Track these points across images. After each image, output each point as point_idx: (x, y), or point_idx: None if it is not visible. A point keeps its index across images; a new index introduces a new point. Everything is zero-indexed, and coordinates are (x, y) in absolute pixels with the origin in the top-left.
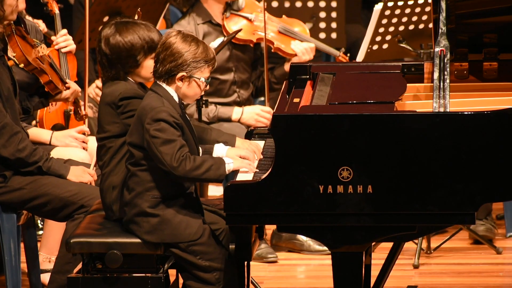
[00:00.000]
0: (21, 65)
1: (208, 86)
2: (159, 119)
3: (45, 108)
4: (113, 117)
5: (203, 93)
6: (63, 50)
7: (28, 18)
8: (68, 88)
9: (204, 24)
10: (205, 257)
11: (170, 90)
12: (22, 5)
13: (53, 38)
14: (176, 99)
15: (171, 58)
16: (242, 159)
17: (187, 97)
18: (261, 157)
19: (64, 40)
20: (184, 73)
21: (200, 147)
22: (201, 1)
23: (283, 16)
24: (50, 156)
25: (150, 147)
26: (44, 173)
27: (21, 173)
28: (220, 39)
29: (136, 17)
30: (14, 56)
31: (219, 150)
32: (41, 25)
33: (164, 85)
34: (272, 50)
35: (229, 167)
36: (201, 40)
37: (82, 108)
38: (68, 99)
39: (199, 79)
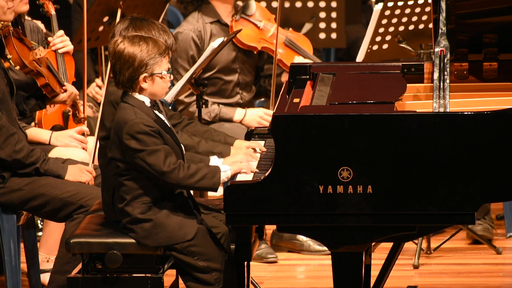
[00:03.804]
0: (17, 67)
1: (172, 76)
2: (136, 132)
3: (43, 110)
4: (114, 116)
5: (169, 84)
6: (60, 51)
7: (27, 18)
8: (65, 91)
9: (212, 23)
10: (203, 258)
11: (140, 96)
12: (25, 7)
13: (50, 39)
14: (148, 103)
15: (127, 64)
16: (238, 162)
17: (156, 95)
18: (264, 150)
19: (61, 41)
20: (145, 74)
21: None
22: (209, 0)
23: (290, 28)
24: (48, 157)
25: (136, 162)
26: (42, 174)
27: (20, 174)
28: (220, 39)
29: None
30: (10, 58)
31: (215, 161)
32: (40, 25)
33: (132, 93)
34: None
35: (225, 175)
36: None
37: (81, 109)
38: (65, 102)
39: (161, 73)
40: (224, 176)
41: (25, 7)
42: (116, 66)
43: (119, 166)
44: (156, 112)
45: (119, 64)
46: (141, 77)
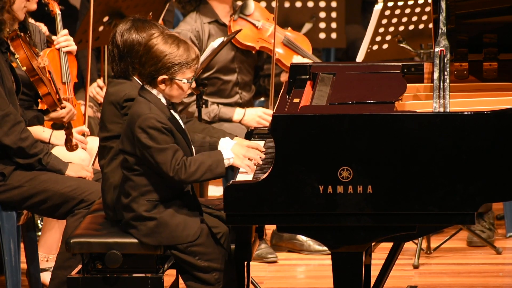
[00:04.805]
0: (24, 68)
1: (194, 84)
2: (148, 127)
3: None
4: (116, 117)
5: (189, 91)
6: (63, 49)
7: (31, 21)
8: (63, 107)
9: (210, 23)
10: (204, 258)
11: (157, 93)
12: (35, 6)
13: (54, 37)
14: (164, 101)
15: (152, 61)
16: (244, 158)
17: (172, 98)
18: (263, 156)
19: (65, 39)
20: (165, 76)
21: (200, 140)
22: (208, 0)
23: (289, 28)
24: (50, 151)
25: (144, 156)
26: (44, 167)
27: (20, 169)
28: (220, 39)
29: None
30: (17, 58)
31: (224, 144)
32: (43, 28)
33: (150, 88)
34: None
35: (228, 162)
36: (183, 40)
37: (73, 135)
38: (63, 119)
39: (181, 80)
40: (227, 163)
41: (35, 6)
42: (142, 58)
43: (129, 160)
44: (172, 111)
45: (145, 58)
46: (160, 77)
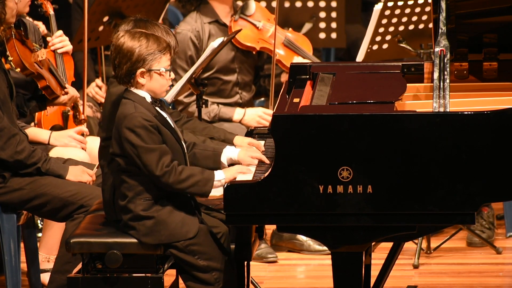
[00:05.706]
0: (17, 69)
1: (172, 75)
2: (134, 126)
3: (43, 111)
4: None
5: (170, 82)
6: (59, 51)
7: (29, 19)
8: (66, 93)
9: (210, 24)
10: (203, 257)
11: (140, 92)
12: (26, 9)
13: (48, 39)
14: (149, 99)
15: (125, 59)
16: (237, 168)
17: (155, 92)
18: (263, 150)
19: (60, 41)
20: (142, 69)
21: (205, 144)
22: (208, 0)
23: (290, 28)
24: (49, 157)
25: (132, 156)
26: (43, 174)
27: (21, 174)
28: (220, 39)
29: None
30: (11, 60)
31: (229, 152)
32: (41, 26)
33: (132, 89)
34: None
35: (218, 183)
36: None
37: (81, 111)
38: (66, 104)
39: (159, 70)
40: (219, 184)
41: (27, 9)
42: (115, 60)
43: (120, 163)
44: (158, 108)
45: (119, 58)
46: (138, 72)
